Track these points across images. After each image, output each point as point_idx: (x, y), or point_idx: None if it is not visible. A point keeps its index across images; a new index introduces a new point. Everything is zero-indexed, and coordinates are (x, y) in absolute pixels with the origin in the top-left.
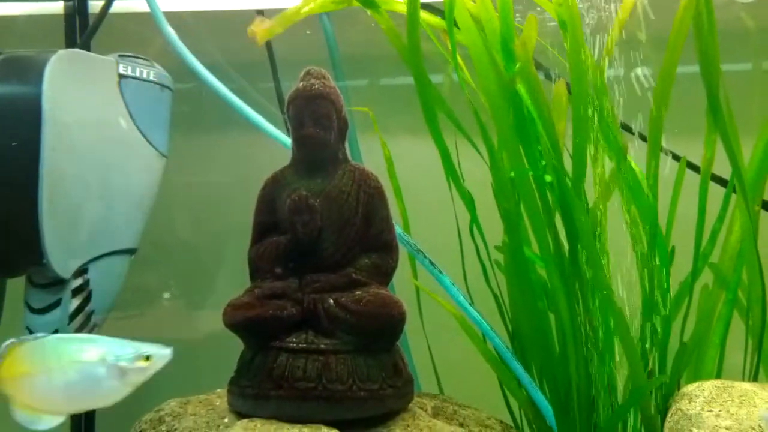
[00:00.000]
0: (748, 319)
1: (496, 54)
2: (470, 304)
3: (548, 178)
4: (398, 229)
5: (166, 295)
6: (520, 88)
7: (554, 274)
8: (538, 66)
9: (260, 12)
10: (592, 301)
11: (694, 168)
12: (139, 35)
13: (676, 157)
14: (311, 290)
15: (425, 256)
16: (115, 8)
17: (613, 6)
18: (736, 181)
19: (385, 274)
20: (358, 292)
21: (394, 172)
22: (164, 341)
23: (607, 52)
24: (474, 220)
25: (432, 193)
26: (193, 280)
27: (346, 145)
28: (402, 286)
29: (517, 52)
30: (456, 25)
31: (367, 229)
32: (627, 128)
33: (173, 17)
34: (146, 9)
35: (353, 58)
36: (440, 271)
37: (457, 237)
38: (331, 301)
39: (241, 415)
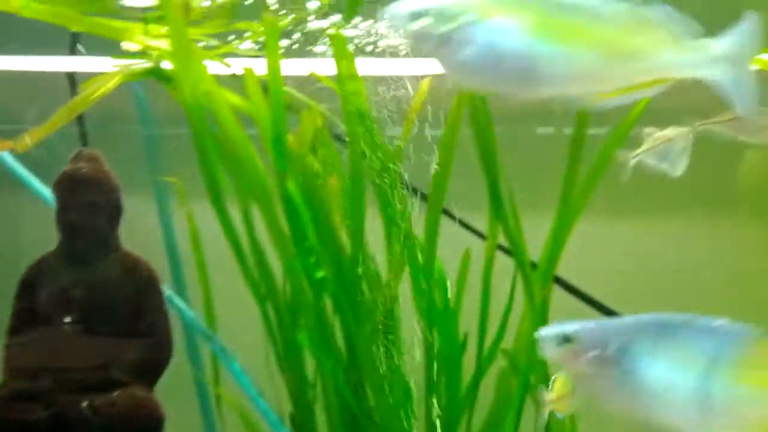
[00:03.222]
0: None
1: (267, 150)
2: (258, 396)
3: (319, 273)
4: (190, 314)
5: None
6: (290, 184)
7: (327, 367)
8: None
9: (71, 77)
10: (373, 393)
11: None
12: None
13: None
14: (66, 391)
15: (215, 342)
16: None
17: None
18: (520, 271)
19: (152, 369)
20: (114, 394)
21: (198, 246)
22: None
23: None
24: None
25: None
26: None
27: (120, 230)
28: None
29: (291, 147)
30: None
31: (137, 320)
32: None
33: None
34: None
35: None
36: (230, 358)
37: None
38: (85, 404)
39: None
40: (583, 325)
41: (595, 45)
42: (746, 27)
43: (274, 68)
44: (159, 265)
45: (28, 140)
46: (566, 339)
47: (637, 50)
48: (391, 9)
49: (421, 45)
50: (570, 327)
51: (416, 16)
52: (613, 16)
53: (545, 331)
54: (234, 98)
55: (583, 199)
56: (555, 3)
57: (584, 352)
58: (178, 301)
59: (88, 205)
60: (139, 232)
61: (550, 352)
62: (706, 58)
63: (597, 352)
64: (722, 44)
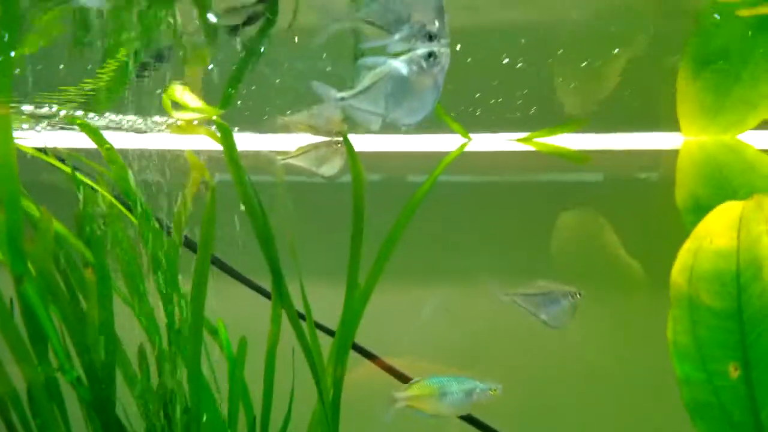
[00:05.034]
0: None
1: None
2: None
3: (72, 375)
4: None
5: None
6: (28, 288)
7: None
8: None
9: None
10: None
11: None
12: None
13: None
14: None
15: None
16: None
17: None
18: (308, 361)
19: None
20: None
21: None
22: None
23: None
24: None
25: None
26: None
27: None
28: None
29: (29, 249)
30: None
31: None
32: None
33: None
34: None
35: None
36: None
37: None
38: None
39: None
40: None
41: None
42: None
43: (7, 162)
44: None
45: None
46: None
47: None
48: None
49: None
50: None
51: None
52: None
53: None
54: None
55: (378, 268)
56: None
57: None
58: None
59: None
60: None
61: None
62: None
63: None
64: None
